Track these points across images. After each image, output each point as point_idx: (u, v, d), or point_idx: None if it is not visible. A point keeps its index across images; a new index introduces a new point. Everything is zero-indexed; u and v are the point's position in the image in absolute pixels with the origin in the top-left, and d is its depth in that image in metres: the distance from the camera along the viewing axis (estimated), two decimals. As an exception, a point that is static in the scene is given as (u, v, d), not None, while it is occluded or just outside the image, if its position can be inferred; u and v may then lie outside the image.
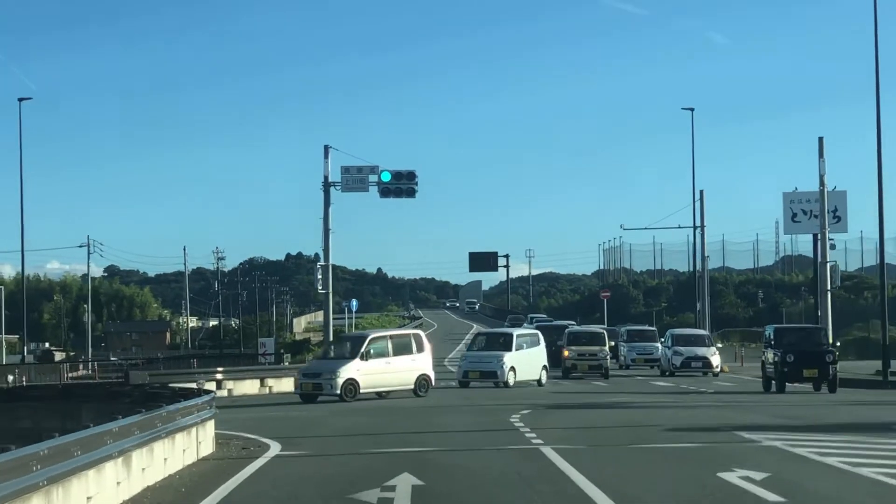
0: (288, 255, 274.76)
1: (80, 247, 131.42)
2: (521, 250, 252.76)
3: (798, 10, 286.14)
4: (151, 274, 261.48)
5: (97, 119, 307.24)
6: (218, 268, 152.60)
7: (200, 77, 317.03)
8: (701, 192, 79.44)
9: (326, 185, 59.45)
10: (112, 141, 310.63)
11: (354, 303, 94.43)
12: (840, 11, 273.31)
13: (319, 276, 59.29)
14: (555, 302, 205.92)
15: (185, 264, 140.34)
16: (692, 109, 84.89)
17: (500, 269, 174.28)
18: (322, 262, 60.01)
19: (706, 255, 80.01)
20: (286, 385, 52.81)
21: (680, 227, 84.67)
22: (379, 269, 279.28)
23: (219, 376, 51.46)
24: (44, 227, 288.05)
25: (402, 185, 59.73)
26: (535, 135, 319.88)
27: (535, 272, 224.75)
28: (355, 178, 59.39)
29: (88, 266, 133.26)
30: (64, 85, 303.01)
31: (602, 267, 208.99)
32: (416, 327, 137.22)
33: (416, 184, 59.94)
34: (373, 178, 59.89)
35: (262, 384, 52.58)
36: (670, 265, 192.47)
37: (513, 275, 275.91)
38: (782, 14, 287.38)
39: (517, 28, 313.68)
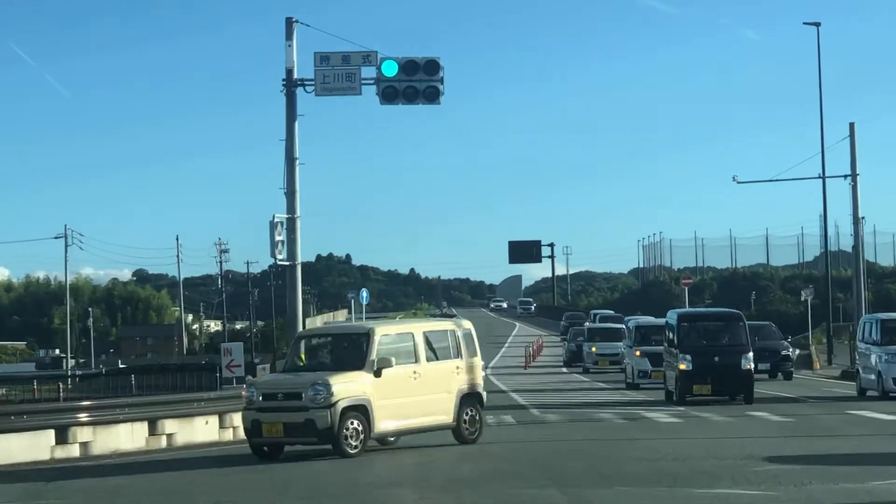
0: (318, 257, 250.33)
1: (57, 238, 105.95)
2: (557, 248, 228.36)
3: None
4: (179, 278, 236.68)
5: (111, 115, 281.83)
6: (221, 262, 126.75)
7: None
8: (851, 125, 51.68)
9: (290, 84, 32.91)
10: (136, 142, 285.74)
11: (365, 294, 67.61)
12: None
13: (279, 238, 32.60)
14: (594, 300, 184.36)
15: (177, 256, 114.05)
16: (818, 24, 58.21)
17: (542, 260, 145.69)
18: (282, 216, 33.21)
19: (861, 216, 51.89)
20: (201, 431, 26.60)
21: (820, 177, 57.44)
22: (412, 270, 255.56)
23: (73, 419, 24.80)
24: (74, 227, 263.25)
25: (415, 82, 32.66)
26: (572, 131, 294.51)
27: (570, 271, 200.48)
28: (339, 73, 32.54)
29: (66, 259, 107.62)
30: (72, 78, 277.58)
31: (642, 263, 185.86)
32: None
33: (441, 81, 33.05)
34: (368, 71, 33.19)
35: (154, 430, 25.94)
36: (710, 262, 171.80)
37: (547, 274, 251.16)
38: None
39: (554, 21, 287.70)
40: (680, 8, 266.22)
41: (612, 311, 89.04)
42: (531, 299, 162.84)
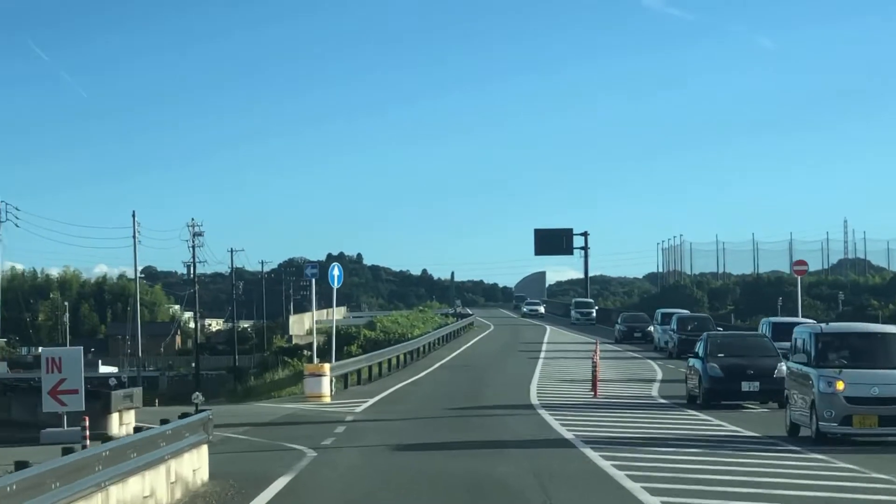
0: (329, 255, 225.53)
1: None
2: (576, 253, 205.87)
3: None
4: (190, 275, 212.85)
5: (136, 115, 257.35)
6: (194, 246, 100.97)
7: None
8: None
9: None
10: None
11: (336, 272, 39.78)
12: None
13: None
14: (611, 304, 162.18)
15: (134, 237, 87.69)
16: None
17: (574, 252, 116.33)
18: None
19: None
20: None
21: None
22: (424, 271, 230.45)
23: None
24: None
25: None
26: (591, 138, 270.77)
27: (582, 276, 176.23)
28: None
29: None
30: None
31: (661, 266, 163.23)
32: (464, 327, 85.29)
33: None
34: None
35: None
36: (731, 267, 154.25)
37: (561, 277, 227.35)
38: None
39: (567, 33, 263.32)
40: (695, 14, 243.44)
41: (686, 311, 62.84)
42: (591, 300, 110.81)
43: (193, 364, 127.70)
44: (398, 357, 50.30)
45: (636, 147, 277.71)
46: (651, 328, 64.32)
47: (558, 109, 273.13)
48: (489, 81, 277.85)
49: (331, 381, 35.58)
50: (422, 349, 57.84)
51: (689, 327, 52.58)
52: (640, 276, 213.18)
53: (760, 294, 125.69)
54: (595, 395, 33.45)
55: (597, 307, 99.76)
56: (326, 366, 34.61)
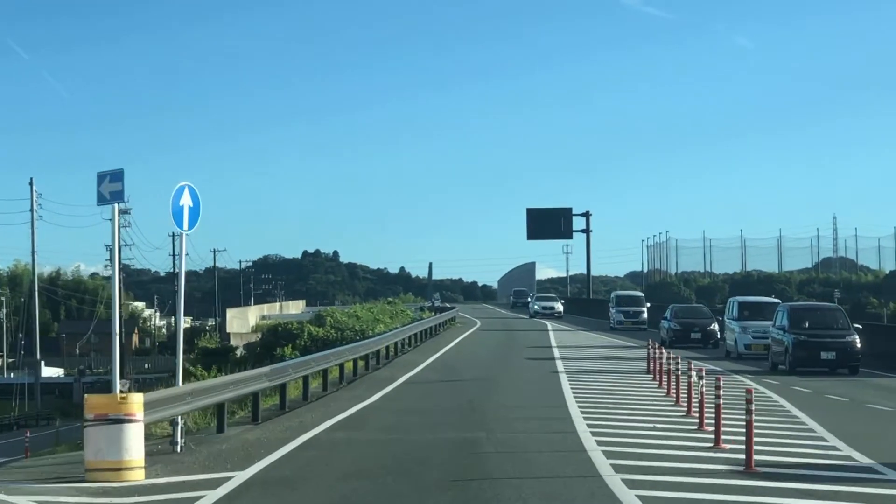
0: (304, 253, 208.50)
1: None
2: (556, 250, 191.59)
3: None
4: (163, 273, 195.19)
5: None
6: (119, 226, 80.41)
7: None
8: None
9: None
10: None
11: (188, 201, 17.28)
12: None
13: None
14: None
15: (31, 210, 68.08)
16: None
17: (573, 235, 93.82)
18: None
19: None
20: None
21: None
22: (401, 269, 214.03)
23: None
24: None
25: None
26: (572, 136, 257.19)
27: (565, 273, 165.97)
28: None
29: None
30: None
31: (646, 263, 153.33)
32: (444, 324, 64.92)
33: None
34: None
35: None
36: (717, 265, 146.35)
37: (543, 276, 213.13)
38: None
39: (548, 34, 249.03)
40: (676, 14, 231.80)
41: (777, 300, 43.37)
42: (640, 293, 73.64)
43: (147, 366, 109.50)
44: (343, 366, 30.36)
45: (619, 144, 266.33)
46: (713, 326, 44.70)
47: (539, 109, 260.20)
48: (466, 80, 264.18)
49: (174, 426, 15.94)
50: (383, 352, 37.94)
51: (807, 323, 32.65)
52: (622, 275, 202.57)
53: (750, 291, 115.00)
54: (718, 443, 14.21)
55: (648, 304, 66.13)
56: (135, 399, 13.71)
